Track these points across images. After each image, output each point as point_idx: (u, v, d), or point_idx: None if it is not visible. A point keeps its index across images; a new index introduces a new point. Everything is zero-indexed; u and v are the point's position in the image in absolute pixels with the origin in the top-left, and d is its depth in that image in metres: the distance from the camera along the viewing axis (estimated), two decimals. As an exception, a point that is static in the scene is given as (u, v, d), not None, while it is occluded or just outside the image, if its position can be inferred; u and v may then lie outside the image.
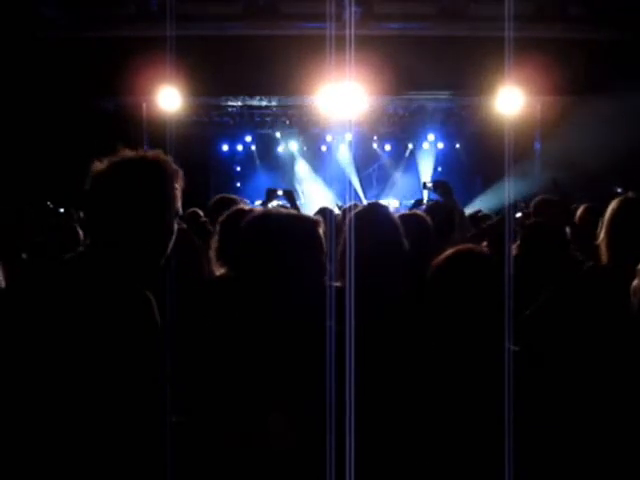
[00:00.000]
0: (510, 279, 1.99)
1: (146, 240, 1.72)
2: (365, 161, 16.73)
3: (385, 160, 16.92)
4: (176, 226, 1.78)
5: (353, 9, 8.61)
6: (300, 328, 1.84)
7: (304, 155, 16.91)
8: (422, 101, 12.80)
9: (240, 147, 16.50)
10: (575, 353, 2.36)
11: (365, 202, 15.39)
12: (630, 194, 2.62)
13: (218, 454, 1.87)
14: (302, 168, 16.81)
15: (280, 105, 13.29)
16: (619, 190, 7.96)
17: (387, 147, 16.61)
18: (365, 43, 8.08)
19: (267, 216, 2.01)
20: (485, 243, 3.57)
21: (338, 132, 15.25)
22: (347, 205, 4.35)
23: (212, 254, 2.75)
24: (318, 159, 16.83)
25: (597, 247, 2.57)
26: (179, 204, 1.78)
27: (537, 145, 12.10)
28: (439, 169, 15.96)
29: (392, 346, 2.29)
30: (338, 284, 2.19)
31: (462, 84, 10.08)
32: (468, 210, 6.91)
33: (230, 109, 13.38)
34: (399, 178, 16.68)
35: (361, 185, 16.50)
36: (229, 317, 1.96)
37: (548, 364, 2.21)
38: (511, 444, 1.82)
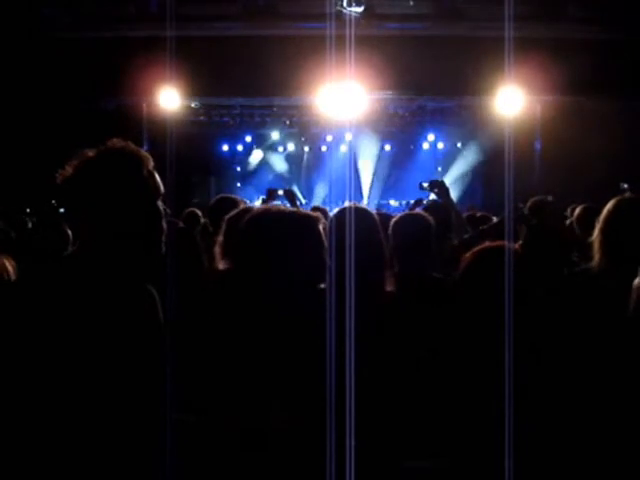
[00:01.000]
0: (511, 279, 1.98)
1: (137, 226, 1.73)
2: (365, 161, 16.74)
3: (385, 160, 16.92)
4: (162, 207, 1.79)
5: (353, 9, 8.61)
6: (298, 324, 1.84)
7: (306, 155, 16.94)
8: (422, 101, 12.80)
9: (240, 147, 16.52)
10: (574, 353, 2.36)
11: (366, 202, 15.45)
12: (628, 194, 2.63)
13: (219, 451, 1.87)
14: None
15: (280, 105, 13.29)
16: (625, 186, 7.95)
17: (387, 147, 16.61)
18: (365, 43, 8.09)
19: (267, 213, 2.02)
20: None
21: (338, 132, 15.26)
22: (347, 205, 4.35)
23: (217, 250, 2.77)
24: (318, 159, 16.84)
25: (590, 245, 2.57)
26: (161, 187, 1.79)
27: (537, 145, 12.11)
28: (439, 169, 15.96)
29: (390, 342, 2.30)
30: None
31: (462, 84, 10.08)
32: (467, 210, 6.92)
33: (230, 109, 13.39)
34: (399, 178, 16.67)
35: (361, 185, 16.50)
36: (228, 312, 1.97)
37: (548, 364, 2.21)
38: (511, 444, 1.82)
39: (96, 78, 9.46)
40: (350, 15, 8.25)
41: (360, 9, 8.67)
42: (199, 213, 5.18)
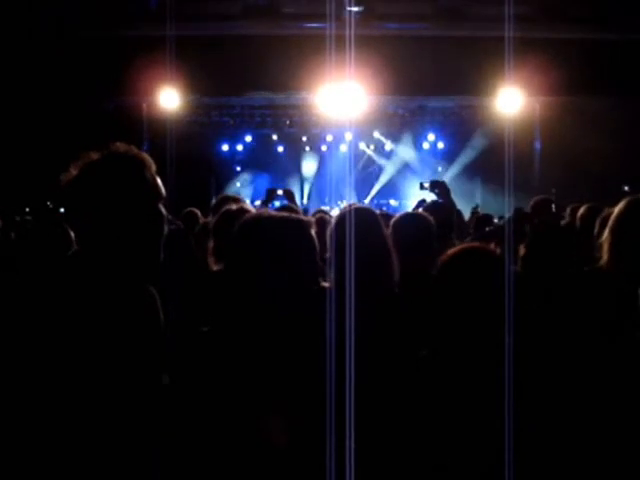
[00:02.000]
0: (512, 278, 1.99)
1: (138, 229, 1.74)
2: (365, 161, 16.75)
3: (385, 160, 16.93)
4: (164, 210, 1.81)
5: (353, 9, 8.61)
6: (292, 328, 1.85)
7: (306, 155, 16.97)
8: (422, 101, 12.81)
9: (240, 147, 16.52)
10: (574, 353, 2.36)
11: (367, 202, 15.46)
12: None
13: (217, 453, 1.87)
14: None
15: (280, 105, 13.30)
16: (626, 189, 7.96)
17: (387, 147, 16.62)
18: (365, 43, 8.09)
19: (258, 218, 2.02)
20: (493, 245, 3.55)
21: (338, 132, 15.27)
22: (346, 205, 4.37)
23: (209, 256, 2.80)
24: (318, 159, 16.85)
25: (599, 245, 2.55)
26: (162, 191, 1.81)
27: (537, 145, 12.12)
28: (439, 169, 15.97)
29: (389, 342, 2.30)
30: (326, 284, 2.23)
31: (462, 84, 10.09)
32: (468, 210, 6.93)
33: (230, 109, 13.40)
34: (399, 178, 16.69)
35: (361, 185, 16.51)
36: (222, 313, 1.98)
37: (548, 364, 2.21)
38: (511, 444, 1.82)
39: (96, 78, 9.46)
40: (350, 15, 8.25)
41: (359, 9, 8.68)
42: (198, 213, 5.20)
